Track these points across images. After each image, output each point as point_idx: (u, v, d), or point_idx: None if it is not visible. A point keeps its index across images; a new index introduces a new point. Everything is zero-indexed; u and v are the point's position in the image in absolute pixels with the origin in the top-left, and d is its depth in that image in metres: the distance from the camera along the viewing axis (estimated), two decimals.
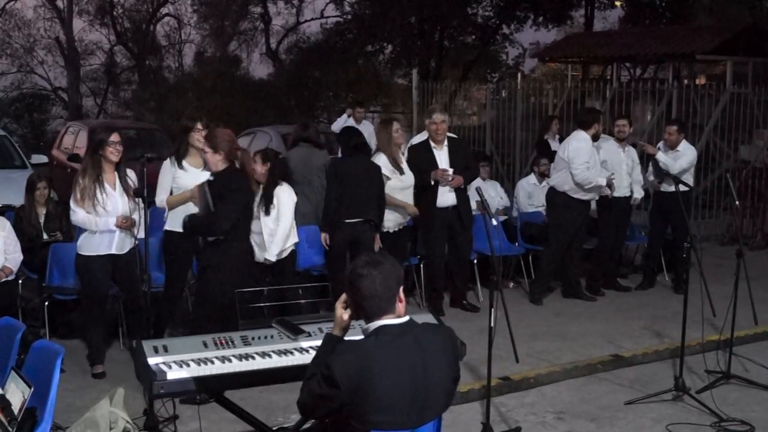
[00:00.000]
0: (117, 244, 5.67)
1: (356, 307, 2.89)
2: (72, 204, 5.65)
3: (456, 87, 16.46)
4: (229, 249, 5.26)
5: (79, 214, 5.62)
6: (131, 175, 5.79)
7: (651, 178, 8.32)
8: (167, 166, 6.04)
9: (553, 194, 7.89)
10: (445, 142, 7.28)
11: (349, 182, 6.74)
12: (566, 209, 7.72)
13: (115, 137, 5.65)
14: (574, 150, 7.58)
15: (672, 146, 8.19)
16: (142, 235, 5.50)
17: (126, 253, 5.71)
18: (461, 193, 7.28)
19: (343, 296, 2.99)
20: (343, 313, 2.99)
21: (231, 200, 5.21)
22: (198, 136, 5.87)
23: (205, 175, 5.46)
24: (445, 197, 7.22)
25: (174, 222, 5.93)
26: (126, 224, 5.59)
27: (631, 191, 8.30)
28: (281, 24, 29.00)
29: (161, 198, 6.00)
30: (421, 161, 7.26)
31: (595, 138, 7.75)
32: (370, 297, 2.81)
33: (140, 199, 5.51)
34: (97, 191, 5.57)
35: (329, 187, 6.85)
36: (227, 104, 22.39)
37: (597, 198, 8.00)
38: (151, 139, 12.31)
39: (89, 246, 5.68)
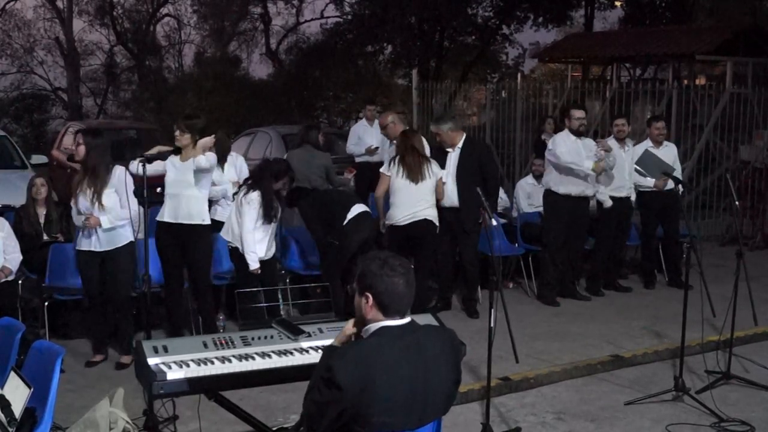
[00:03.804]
0: (95, 242, 5.77)
1: (375, 304, 2.78)
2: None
3: (456, 87, 16.43)
4: None
5: (72, 210, 5.88)
6: (117, 174, 5.72)
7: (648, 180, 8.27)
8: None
9: (545, 193, 8.02)
10: (460, 145, 7.31)
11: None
12: (555, 207, 7.79)
13: (78, 139, 5.79)
14: (554, 140, 7.84)
15: (660, 142, 8.24)
16: (141, 235, 5.50)
17: (112, 251, 5.77)
18: (465, 195, 7.19)
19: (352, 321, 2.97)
20: (350, 327, 2.98)
21: None
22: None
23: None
24: (445, 198, 7.22)
25: (164, 212, 6.06)
26: (88, 222, 5.67)
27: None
28: (281, 24, 29.04)
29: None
30: None
31: (576, 133, 7.78)
32: (400, 296, 2.77)
33: (139, 200, 5.53)
34: (78, 189, 5.75)
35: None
36: (227, 104, 22.38)
37: (592, 195, 8.01)
38: (151, 139, 12.28)
39: (78, 242, 5.90)
